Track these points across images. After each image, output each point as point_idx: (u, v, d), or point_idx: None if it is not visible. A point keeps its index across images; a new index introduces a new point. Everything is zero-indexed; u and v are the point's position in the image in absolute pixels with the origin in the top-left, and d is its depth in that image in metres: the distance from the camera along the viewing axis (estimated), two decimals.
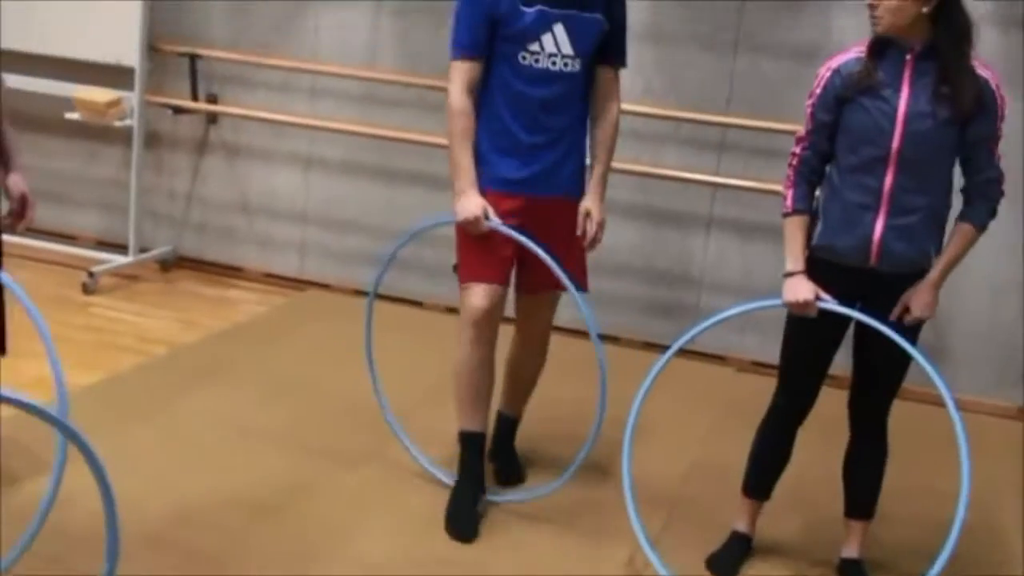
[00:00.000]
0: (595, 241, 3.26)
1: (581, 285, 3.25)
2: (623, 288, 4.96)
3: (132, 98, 5.11)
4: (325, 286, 5.39)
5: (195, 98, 5.32)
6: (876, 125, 2.67)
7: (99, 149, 5.55)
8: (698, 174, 4.75)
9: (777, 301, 2.80)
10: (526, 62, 3.15)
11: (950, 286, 4.51)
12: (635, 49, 4.78)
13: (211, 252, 5.57)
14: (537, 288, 3.32)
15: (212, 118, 5.44)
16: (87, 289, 4.96)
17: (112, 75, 5.09)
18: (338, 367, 4.17)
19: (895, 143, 2.66)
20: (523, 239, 3.09)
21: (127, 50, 5.05)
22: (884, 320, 2.74)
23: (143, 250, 5.37)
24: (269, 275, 5.48)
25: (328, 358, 4.36)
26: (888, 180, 2.69)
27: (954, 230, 2.78)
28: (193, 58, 5.23)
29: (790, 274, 2.79)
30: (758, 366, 4.71)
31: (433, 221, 3.54)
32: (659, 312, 4.98)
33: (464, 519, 3.17)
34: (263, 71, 5.28)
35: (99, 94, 5.07)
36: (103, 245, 5.52)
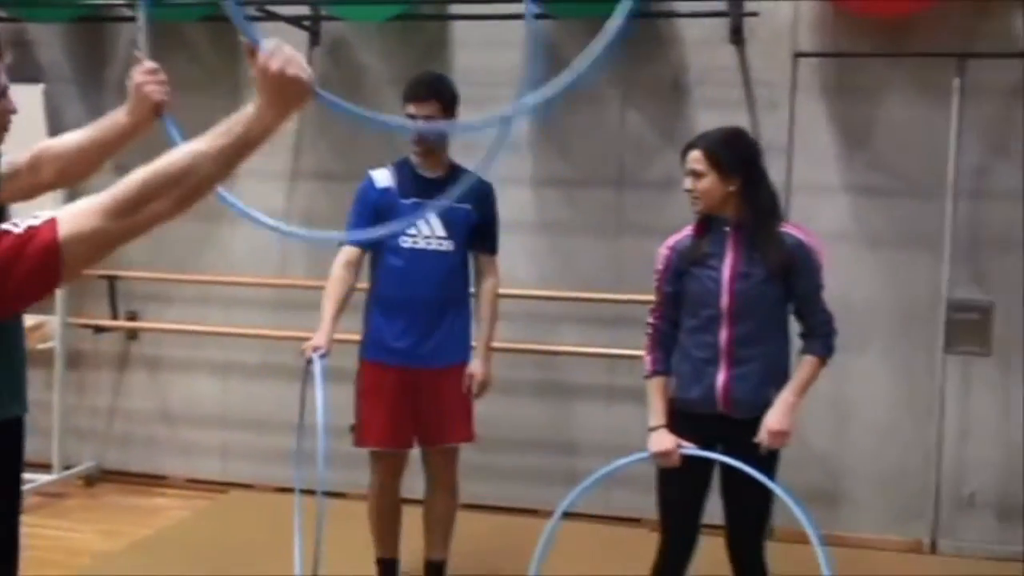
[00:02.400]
0: (479, 396, 3.88)
1: (469, 437, 3.91)
2: (535, 460, 5.21)
3: (54, 321, 5.34)
4: (248, 486, 5.54)
5: (115, 316, 5.57)
6: (707, 290, 3.10)
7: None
8: (595, 348, 5.10)
9: (644, 455, 3.14)
10: (406, 244, 3.74)
11: (840, 435, 4.93)
12: (529, 239, 5.27)
13: (135, 463, 5.70)
14: (435, 441, 3.87)
15: (132, 334, 5.69)
16: None
17: None
18: (260, 565, 4.31)
19: (724, 302, 3.08)
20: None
21: None
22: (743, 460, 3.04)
23: (67, 467, 5.48)
24: (193, 480, 5.62)
25: (250, 556, 4.49)
26: (724, 335, 3.09)
27: (800, 362, 3.17)
28: (112, 279, 5.52)
29: (653, 428, 3.15)
30: None
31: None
32: (573, 480, 5.21)
33: None
34: (180, 286, 5.58)
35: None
36: (28, 465, 5.59)
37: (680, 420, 3.15)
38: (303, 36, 5.35)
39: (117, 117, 2.54)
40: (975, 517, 4.87)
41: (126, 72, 6.07)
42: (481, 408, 4.71)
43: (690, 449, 3.10)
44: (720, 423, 3.12)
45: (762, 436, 3.08)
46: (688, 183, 3.15)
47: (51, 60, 5.67)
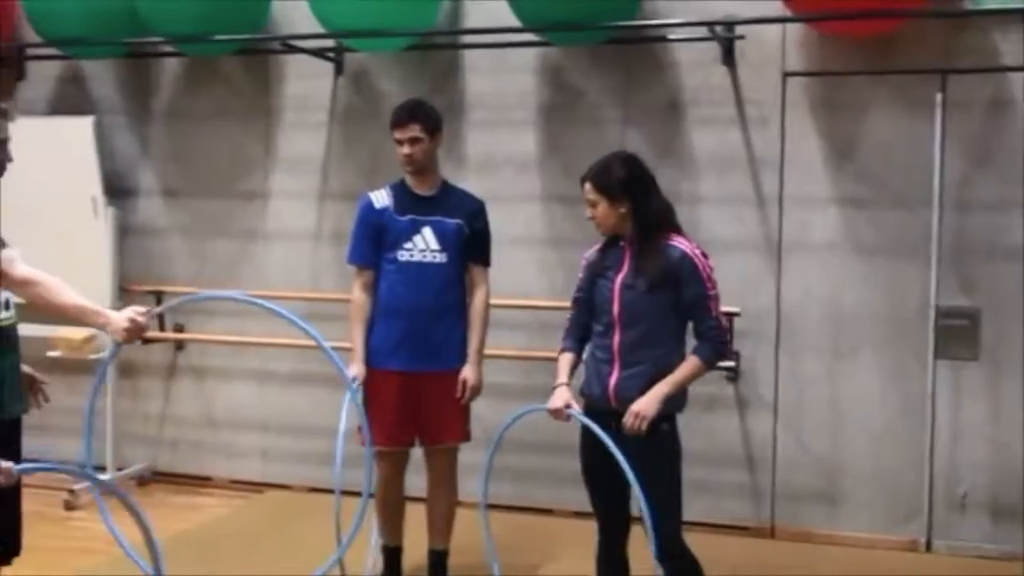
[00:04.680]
0: (471, 400, 4.21)
1: (464, 437, 4.25)
2: (549, 462, 5.49)
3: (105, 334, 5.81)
4: (286, 487, 5.94)
5: (163, 329, 6.03)
6: (604, 298, 3.43)
7: (77, 381, 6.20)
8: None
9: (544, 406, 3.52)
10: (404, 257, 4.12)
11: (836, 437, 5.12)
12: (539, 252, 5.57)
13: (183, 465, 6.14)
14: (434, 441, 4.23)
15: (179, 345, 6.15)
16: (69, 506, 5.52)
17: None
18: (280, 557, 4.70)
19: (615, 310, 3.39)
20: None
21: (99, 292, 5.80)
22: (624, 443, 3.30)
23: (120, 468, 5.96)
24: (235, 481, 6.04)
25: (275, 552, 4.89)
26: (616, 339, 3.40)
27: (685, 360, 3.41)
28: (158, 294, 5.98)
29: (555, 387, 3.52)
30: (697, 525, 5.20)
31: None
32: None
33: None
34: (222, 301, 6.00)
35: (76, 332, 5.78)
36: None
37: (587, 413, 3.46)
38: (328, 66, 5.76)
39: (97, 319, 3.29)
40: (969, 517, 5.02)
41: (169, 103, 6.58)
42: (498, 412, 5.03)
43: (576, 412, 3.45)
44: (611, 417, 3.39)
45: (626, 418, 3.33)
46: (588, 212, 3.49)
47: (102, 94, 6.16)
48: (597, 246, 3.57)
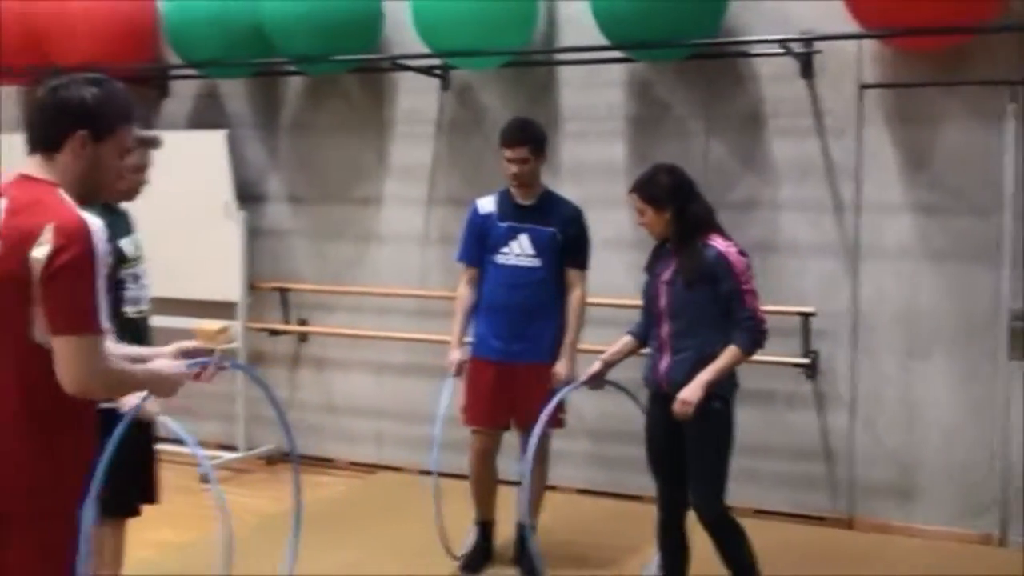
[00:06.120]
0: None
1: (556, 424, 4.59)
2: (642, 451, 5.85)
3: (237, 326, 6.45)
4: (398, 469, 6.47)
5: (287, 322, 6.63)
6: (653, 294, 3.87)
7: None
8: None
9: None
10: (501, 260, 4.56)
11: (912, 433, 5.33)
12: (627, 254, 5.92)
13: (306, 448, 6.70)
14: (527, 426, 4.53)
15: (303, 337, 6.74)
16: (203, 479, 6.15)
17: (219, 309, 6.46)
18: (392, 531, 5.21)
19: (662, 304, 3.82)
20: None
21: (231, 289, 6.43)
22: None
23: (250, 448, 6.58)
24: (352, 463, 6.60)
25: (384, 524, 5.42)
26: (665, 329, 3.83)
27: (723, 350, 3.77)
28: (284, 291, 6.58)
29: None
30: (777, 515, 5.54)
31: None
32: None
33: (468, 566, 4.70)
34: (341, 297, 6.57)
35: (210, 324, 6.40)
36: (221, 447, 6.77)
37: (648, 397, 3.97)
38: (435, 83, 6.23)
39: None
40: None
41: (294, 117, 7.13)
42: (597, 404, 5.48)
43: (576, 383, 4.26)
44: (666, 399, 3.82)
45: (675, 405, 3.74)
46: (638, 219, 3.91)
47: (234, 109, 6.78)
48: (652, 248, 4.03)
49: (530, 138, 4.56)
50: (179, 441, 6.41)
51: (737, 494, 5.47)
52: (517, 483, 4.74)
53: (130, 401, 3.13)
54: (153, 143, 3.69)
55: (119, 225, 3.60)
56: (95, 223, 2.37)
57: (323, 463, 6.66)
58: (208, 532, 5.23)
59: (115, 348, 2.59)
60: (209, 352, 2.81)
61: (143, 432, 3.65)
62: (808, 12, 5.32)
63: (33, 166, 2.45)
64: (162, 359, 2.67)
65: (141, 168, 3.66)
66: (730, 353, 3.78)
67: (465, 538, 4.83)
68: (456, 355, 4.67)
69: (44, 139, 2.45)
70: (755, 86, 5.57)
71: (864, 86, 5.32)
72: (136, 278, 3.69)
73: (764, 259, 5.37)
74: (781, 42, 5.28)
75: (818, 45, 5.30)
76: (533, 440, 4.20)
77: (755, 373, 5.09)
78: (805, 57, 5.34)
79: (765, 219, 5.57)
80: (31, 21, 6.43)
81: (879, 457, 5.44)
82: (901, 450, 5.40)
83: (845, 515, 5.50)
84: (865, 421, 5.45)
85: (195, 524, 5.33)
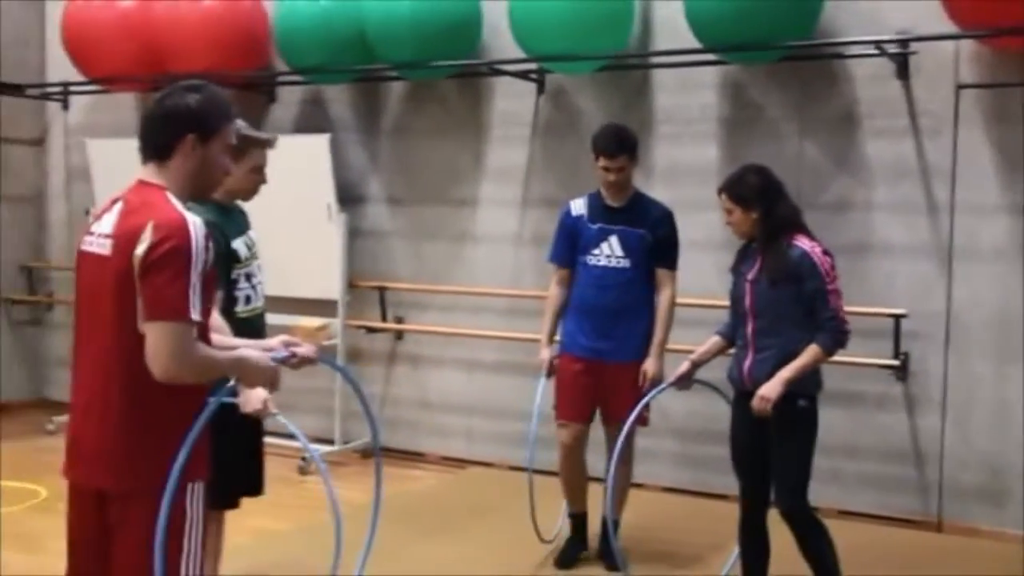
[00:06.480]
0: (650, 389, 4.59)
1: (641, 421, 4.60)
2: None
3: (336, 323, 6.66)
4: (488, 464, 6.60)
5: (384, 320, 6.83)
6: (739, 293, 3.90)
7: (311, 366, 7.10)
8: None
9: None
10: (592, 261, 4.65)
11: (1003, 437, 5.27)
12: (719, 256, 5.93)
13: (399, 442, 6.90)
14: (614, 422, 4.63)
15: (398, 335, 6.92)
16: (302, 471, 6.38)
17: (320, 307, 6.69)
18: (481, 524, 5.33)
19: (748, 303, 3.84)
20: None
21: (332, 287, 6.64)
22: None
23: (346, 442, 6.78)
24: (444, 458, 6.75)
25: (474, 517, 5.53)
26: (750, 328, 3.86)
27: (805, 349, 3.78)
28: (382, 290, 6.78)
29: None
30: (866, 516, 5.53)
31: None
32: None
33: (561, 559, 4.80)
34: (435, 296, 6.74)
35: (310, 321, 6.65)
36: (318, 440, 6.97)
37: (733, 395, 4.00)
38: (531, 87, 6.38)
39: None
40: None
41: (394, 121, 7.36)
42: (683, 404, 5.54)
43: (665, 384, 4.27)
44: (751, 397, 3.83)
45: (754, 400, 3.77)
46: (725, 218, 3.94)
47: (337, 114, 7.03)
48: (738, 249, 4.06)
49: (628, 147, 4.66)
50: (280, 434, 6.68)
51: (822, 494, 5.50)
52: (602, 480, 4.84)
53: (254, 398, 3.28)
54: (269, 144, 3.78)
55: (233, 224, 3.68)
56: (195, 221, 2.53)
57: (415, 457, 6.83)
58: (302, 521, 5.44)
59: (216, 340, 2.73)
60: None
61: (253, 426, 3.74)
62: (904, 12, 5.33)
63: (147, 172, 2.64)
64: (249, 349, 2.77)
65: (259, 168, 3.72)
66: (811, 352, 3.79)
67: (556, 527, 4.93)
68: (545, 354, 4.79)
69: (156, 148, 2.63)
70: (849, 87, 5.59)
71: (961, 86, 5.30)
72: (249, 277, 3.72)
73: (856, 260, 5.40)
74: (876, 43, 5.29)
75: (914, 46, 5.30)
76: (621, 439, 4.29)
77: (845, 374, 5.16)
78: (901, 58, 5.34)
79: (858, 220, 5.57)
80: (149, 31, 6.76)
81: (970, 460, 5.39)
82: (992, 453, 5.34)
83: (934, 518, 5.46)
84: (956, 423, 5.41)
85: (291, 514, 5.55)
